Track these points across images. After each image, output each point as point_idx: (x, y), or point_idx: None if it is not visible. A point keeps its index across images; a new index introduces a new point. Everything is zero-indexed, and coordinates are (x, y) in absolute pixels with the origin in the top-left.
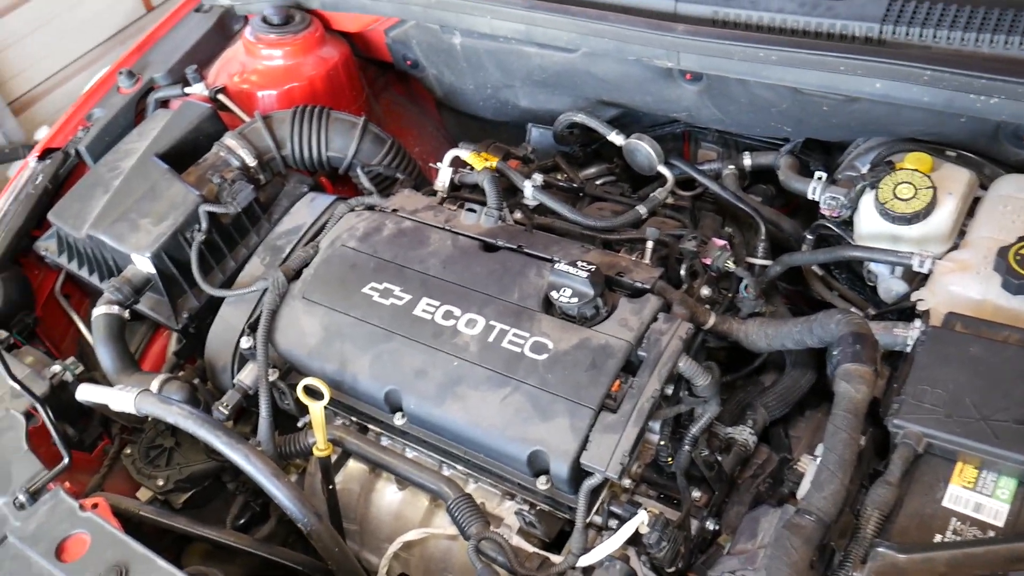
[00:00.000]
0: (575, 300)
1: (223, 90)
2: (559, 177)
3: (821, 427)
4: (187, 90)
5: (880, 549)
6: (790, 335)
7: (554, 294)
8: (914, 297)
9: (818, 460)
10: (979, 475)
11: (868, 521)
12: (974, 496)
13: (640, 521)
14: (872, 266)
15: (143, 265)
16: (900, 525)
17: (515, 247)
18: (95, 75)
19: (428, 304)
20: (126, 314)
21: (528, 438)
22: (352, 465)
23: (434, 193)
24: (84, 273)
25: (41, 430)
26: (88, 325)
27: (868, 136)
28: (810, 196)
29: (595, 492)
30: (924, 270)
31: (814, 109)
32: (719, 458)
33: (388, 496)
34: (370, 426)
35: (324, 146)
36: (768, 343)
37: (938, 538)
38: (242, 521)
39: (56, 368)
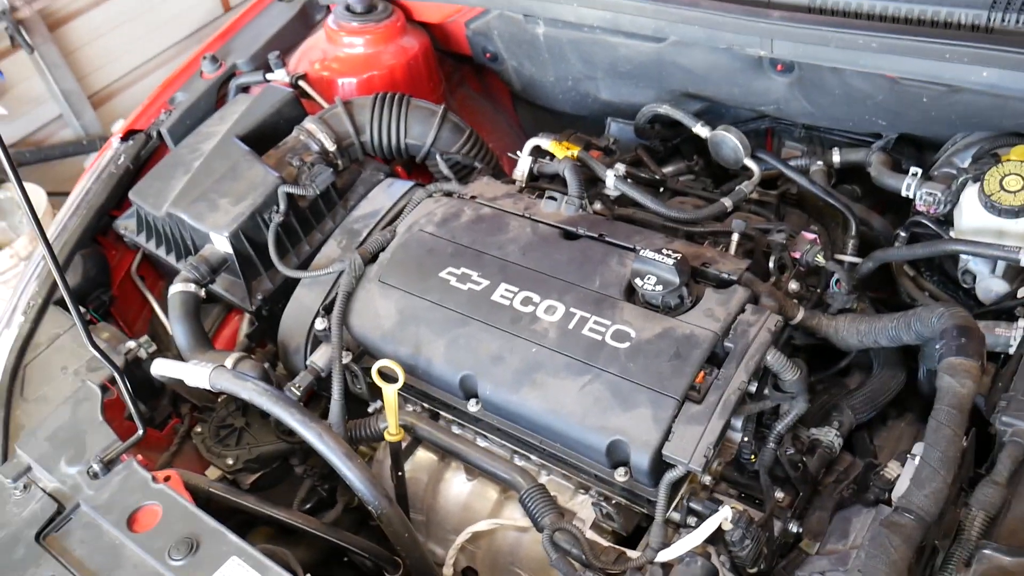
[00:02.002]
0: (659, 288)
1: (304, 77)
2: (640, 171)
3: (905, 436)
4: (268, 76)
5: (986, 551)
6: (885, 331)
7: (638, 281)
8: (1021, 293)
9: (916, 459)
10: None
11: (973, 522)
12: None
13: (724, 517)
14: (971, 265)
15: (221, 244)
16: (1008, 527)
17: (596, 235)
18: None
19: (507, 290)
20: (202, 293)
21: (608, 427)
22: (421, 454)
23: (512, 182)
24: (161, 252)
25: (115, 403)
26: (162, 306)
27: (968, 131)
28: (904, 193)
29: (676, 486)
30: None
31: (913, 101)
32: (804, 459)
33: (456, 486)
34: (442, 413)
35: (403, 133)
36: (860, 340)
37: None
38: (308, 505)
39: (131, 344)
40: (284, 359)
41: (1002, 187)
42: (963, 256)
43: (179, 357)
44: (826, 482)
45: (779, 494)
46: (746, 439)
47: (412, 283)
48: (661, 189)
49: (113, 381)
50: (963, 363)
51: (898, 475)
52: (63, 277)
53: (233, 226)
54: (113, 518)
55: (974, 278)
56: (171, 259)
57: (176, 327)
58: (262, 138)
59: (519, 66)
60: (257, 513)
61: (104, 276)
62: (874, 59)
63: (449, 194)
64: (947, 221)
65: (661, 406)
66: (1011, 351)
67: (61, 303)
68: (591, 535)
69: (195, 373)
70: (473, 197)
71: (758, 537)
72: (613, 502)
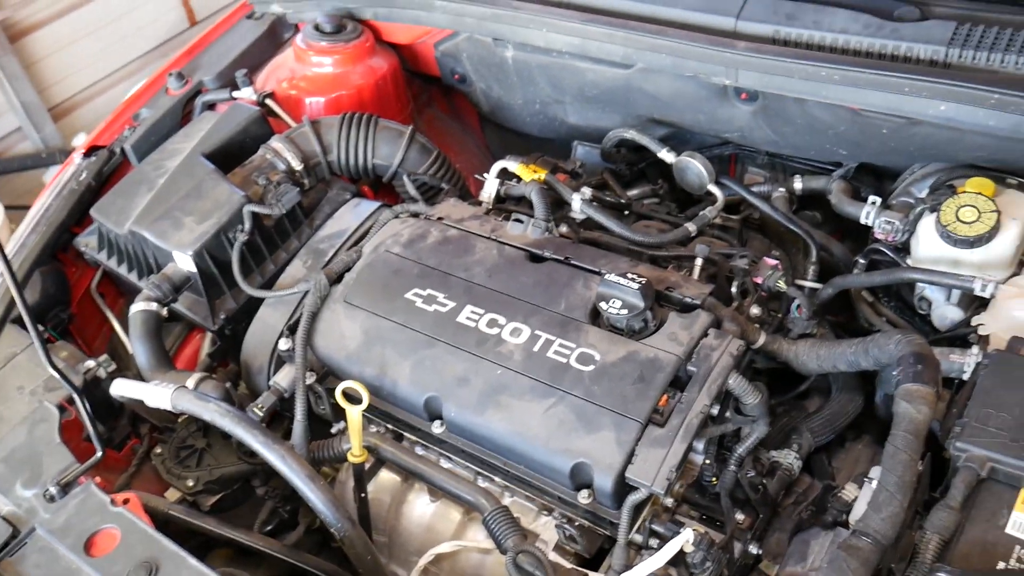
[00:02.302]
0: (624, 312)
1: (271, 95)
2: (605, 194)
3: (862, 458)
4: (235, 94)
5: (940, 574)
6: (843, 356)
7: (603, 305)
8: (975, 321)
9: (873, 482)
10: None
11: (928, 545)
12: None
13: (686, 539)
14: (927, 292)
15: (184, 263)
16: (961, 551)
17: (562, 258)
18: (136, 85)
19: (472, 312)
20: (164, 312)
21: (572, 450)
22: (384, 475)
23: (479, 204)
24: (123, 270)
25: (73, 424)
26: (122, 324)
27: (925, 162)
28: (863, 221)
29: (638, 508)
30: (986, 294)
31: (873, 132)
32: (764, 481)
33: (420, 508)
34: (406, 434)
35: (371, 153)
36: (819, 364)
37: (1001, 566)
38: (269, 528)
39: (90, 364)
40: (247, 379)
41: (958, 218)
42: (919, 283)
43: (139, 377)
44: (785, 504)
45: (740, 516)
46: (708, 462)
47: (378, 304)
48: (626, 213)
49: (71, 401)
50: (919, 390)
51: (855, 497)
52: (21, 295)
53: (197, 245)
54: (70, 542)
55: (930, 305)
56: (132, 277)
57: (137, 346)
58: (228, 156)
59: (487, 88)
60: (217, 535)
61: (63, 294)
62: (836, 91)
63: (416, 215)
64: (904, 249)
65: (625, 429)
66: (965, 377)
67: (19, 321)
68: (554, 557)
69: (156, 394)
70: (440, 218)
71: (719, 559)
72: (576, 524)
